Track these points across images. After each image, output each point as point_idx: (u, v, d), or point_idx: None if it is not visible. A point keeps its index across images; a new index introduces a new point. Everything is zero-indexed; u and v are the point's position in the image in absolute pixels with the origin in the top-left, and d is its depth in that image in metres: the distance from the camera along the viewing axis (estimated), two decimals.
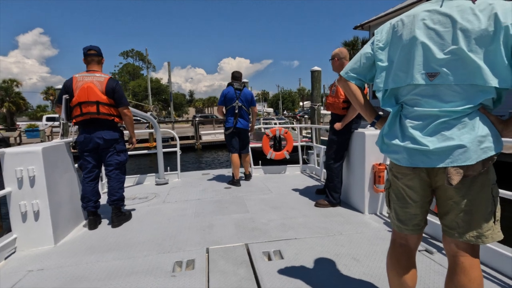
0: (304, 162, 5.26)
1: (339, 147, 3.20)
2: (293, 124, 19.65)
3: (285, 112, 58.23)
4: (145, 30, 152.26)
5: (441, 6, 1.07)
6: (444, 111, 1.05)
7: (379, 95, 1.26)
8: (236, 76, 4.36)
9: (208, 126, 23.84)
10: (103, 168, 3.10)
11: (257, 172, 5.13)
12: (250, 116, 4.44)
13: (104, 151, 2.86)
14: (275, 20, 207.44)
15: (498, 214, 1.11)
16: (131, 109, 3.14)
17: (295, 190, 3.99)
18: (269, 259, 2.13)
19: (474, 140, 1.01)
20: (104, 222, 2.98)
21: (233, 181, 4.39)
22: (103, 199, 3.11)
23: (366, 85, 1.97)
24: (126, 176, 3.28)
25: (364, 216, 2.95)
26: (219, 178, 4.88)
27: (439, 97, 1.07)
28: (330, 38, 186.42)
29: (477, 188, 1.07)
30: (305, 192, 3.88)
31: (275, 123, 16.17)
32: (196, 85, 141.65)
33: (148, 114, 4.24)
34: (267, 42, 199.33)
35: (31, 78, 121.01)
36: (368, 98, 1.43)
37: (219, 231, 2.64)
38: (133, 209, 3.33)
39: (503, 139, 1.07)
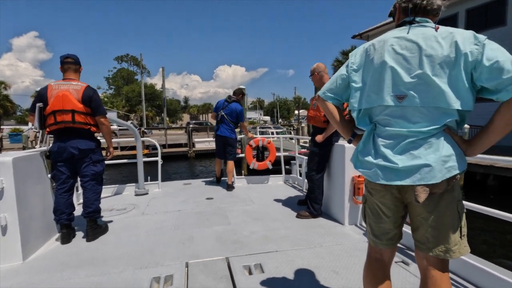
0: (287, 172, 5.27)
1: (320, 159, 3.26)
2: (290, 133, 19.16)
3: (280, 120, 58.01)
4: (141, 35, 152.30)
5: (408, 33, 1.15)
6: (412, 132, 1.12)
7: (354, 114, 1.31)
8: (234, 91, 4.87)
9: (202, 133, 23.30)
10: (78, 178, 2.99)
11: (240, 182, 5.10)
12: (236, 127, 4.75)
13: (79, 161, 2.77)
14: (270, 29, 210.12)
15: (464, 230, 1.17)
16: (109, 117, 3.05)
17: (278, 200, 3.97)
18: (250, 273, 2.10)
19: (438, 159, 1.07)
20: (79, 235, 2.86)
21: (216, 179, 5.08)
22: (78, 211, 2.98)
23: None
24: (104, 186, 3.18)
25: (344, 227, 2.98)
26: (201, 189, 4.80)
27: (407, 118, 1.13)
28: (327, 47, 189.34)
29: (443, 205, 1.13)
30: (287, 202, 3.86)
31: (272, 132, 15.66)
32: (191, 91, 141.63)
33: (129, 122, 4.11)
34: (262, 50, 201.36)
35: (24, 81, 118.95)
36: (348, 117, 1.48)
37: (199, 244, 2.58)
38: (110, 221, 3.21)
39: None
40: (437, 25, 1.13)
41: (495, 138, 1.07)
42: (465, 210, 1.18)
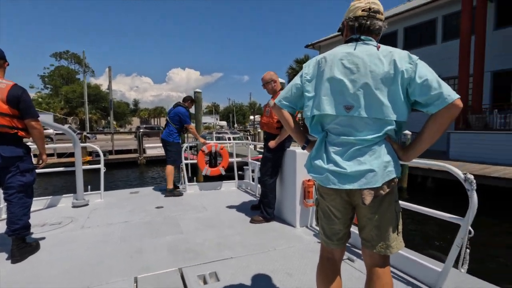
0: (240, 178, 5.28)
1: (273, 164, 3.34)
2: (247, 138, 19.11)
3: (236, 125, 58.03)
4: (84, 32, 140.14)
5: (354, 49, 1.27)
6: (358, 140, 1.23)
7: (307, 122, 1.39)
8: (184, 98, 4.99)
9: (154, 138, 22.03)
10: (1, 190, 2.68)
11: (192, 188, 4.97)
12: (181, 131, 4.86)
13: (3, 170, 2.44)
14: (226, 34, 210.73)
15: (400, 227, 1.32)
16: (43, 121, 2.76)
17: (231, 207, 3.95)
18: (205, 282, 2.05)
19: (381, 165, 1.20)
20: (1, 257, 2.51)
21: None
22: (1, 229, 2.69)
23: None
24: (34, 198, 2.86)
25: (296, 229, 3.08)
26: (150, 197, 4.54)
27: (354, 127, 1.24)
28: (281, 55, 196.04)
29: (385, 206, 1.26)
30: (241, 208, 3.87)
31: (229, 138, 15.40)
32: (142, 94, 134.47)
33: (66, 126, 3.78)
34: (217, 55, 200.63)
35: None
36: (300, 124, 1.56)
37: (149, 256, 2.44)
38: (42, 238, 2.87)
39: None
40: (378, 44, 1.28)
41: (425, 145, 1.24)
42: (400, 210, 1.34)
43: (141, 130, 20.06)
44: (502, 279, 3.57)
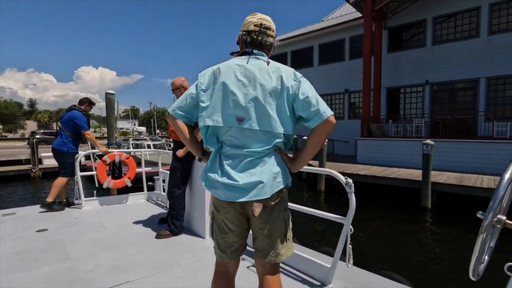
0: (151, 189, 4.93)
1: (182, 173, 3.20)
2: (170, 145, 17.89)
3: (158, 131, 54.50)
4: None
5: (247, 63, 1.31)
6: (250, 152, 1.26)
7: (202, 133, 1.36)
8: (80, 100, 4.48)
9: None
10: None
11: (90, 204, 4.33)
12: (77, 139, 4.32)
13: None
14: (146, 34, 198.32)
15: (289, 234, 1.38)
16: None
17: (137, 222, 3.61)
18: None
19: (270, 176, 1.25)
20: None
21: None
22: None
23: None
24: None
25: (205, 240, 2.99)
26: (30, 218, 3.76)
27: (246, 139, 1.27)
28: (207, 60, 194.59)
29: (275, 216, 1.30)
30: (148, 223, 3.57)
31: (149, 145, 14.09)
32: (41, 93, 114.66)
33: None
34: (137, 56, 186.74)
35: None
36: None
37: None
38: None
39: None
40: (268, 60, 1.33)
41: (309, 156, 1.34)
42: (290, 217, 1.39)
43: (37, 136, 16.75)
44: (393, 267, 4.02)
